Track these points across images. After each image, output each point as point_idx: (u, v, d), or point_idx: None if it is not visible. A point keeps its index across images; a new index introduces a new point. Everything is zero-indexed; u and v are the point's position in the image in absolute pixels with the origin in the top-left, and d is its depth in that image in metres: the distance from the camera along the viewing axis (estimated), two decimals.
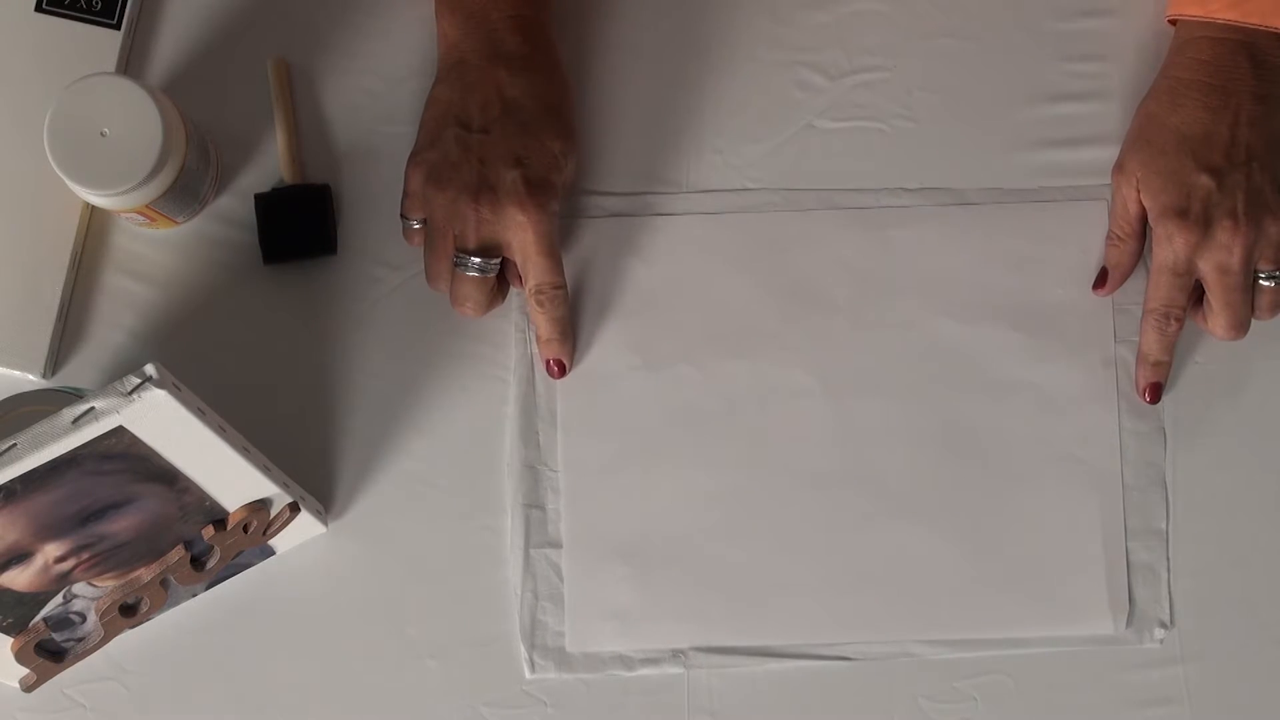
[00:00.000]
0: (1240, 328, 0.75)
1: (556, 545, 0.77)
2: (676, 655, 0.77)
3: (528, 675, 0.76)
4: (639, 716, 0.77)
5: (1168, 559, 0.78)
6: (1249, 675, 0.78)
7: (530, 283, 0.73)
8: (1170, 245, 0.73)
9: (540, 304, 0.74)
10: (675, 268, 0.79)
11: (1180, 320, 0.75)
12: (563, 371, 0.77)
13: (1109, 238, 0.77)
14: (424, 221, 0.74)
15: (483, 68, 0.72)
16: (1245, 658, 0.78)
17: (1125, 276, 0.78)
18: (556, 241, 0.73)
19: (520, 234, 0.71)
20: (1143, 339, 0.77)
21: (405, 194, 0.74)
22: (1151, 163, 0.74)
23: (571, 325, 0.76)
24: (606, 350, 0.78)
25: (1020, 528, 0.78)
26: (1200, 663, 0.78)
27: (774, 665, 0.77)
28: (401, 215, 0.75)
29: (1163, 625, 0.78)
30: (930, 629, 0.77)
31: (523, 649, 0.77)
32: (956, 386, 0.78)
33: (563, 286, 0.74)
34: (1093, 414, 0.78)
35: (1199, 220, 0.72)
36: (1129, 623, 0.78)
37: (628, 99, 0.80)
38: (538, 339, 0.76)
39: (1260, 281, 0.74)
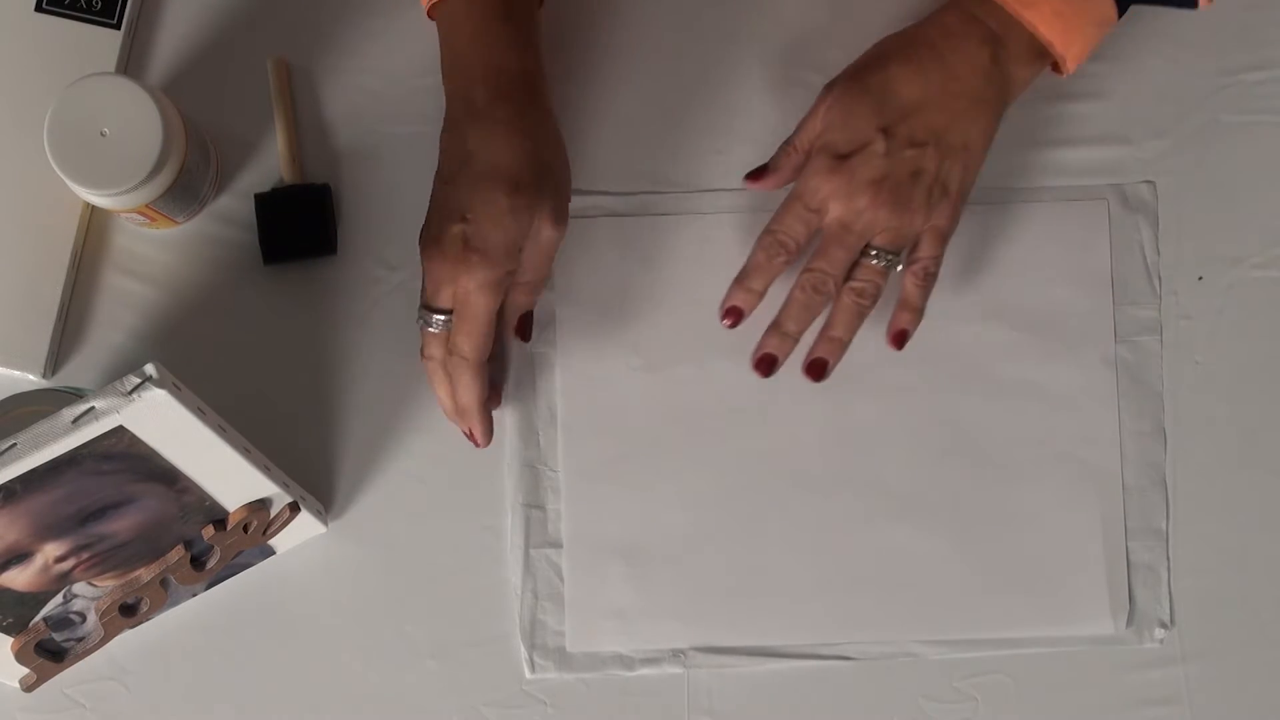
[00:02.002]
0: (824, 284, 0.71)
1: (556, 545, 0.77)
2: (676, 655, 0.77)
3: (528, 675, 0.76)
4: (639, 716, 0.77)
5: (1168, 559, 0.78)
6: (1249, 675, 0.78)
7: (451, 342, 0.70)
8: (814, 176, 0.71)
9: (452, 367, 0.70)
10: (675, 268, 0.79)
11: (790, 256, 0.72)
12: (476, 443, 0.73)
13: (787, 144, 0.74)
14: None
15: (457, 117, 0.70)
16: (1245, 658, 0.78)
17: (782, 184, 0.74)
18: (485, 308, 0.68)
19: (455, 292, 0.69)
20: (750, 257, 0.73)
21: None
22: (847, 95, 0.71)
23: (482, 404, 0.71)
24: (606, 351, 0.78)
25: (1020, 528, 0.78)
26: (1200, 663, 0.78)
27: (774, 665, 0.77)
28: None
29: (1163, 625, 0.78)
30: (930, 629, 0.77)
31: (523, 649, 0.77)
32: (956, 386, 0.78)
33: (473, 360, 0.69)
34: (1093, 414, 0.78)
35: (850, 169, 0.70)
36: (1129, 623, 0.78)
37: (627, 100, 0.80)
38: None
39: (866, 258, 0.72)
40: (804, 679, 0.77)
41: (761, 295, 0.73)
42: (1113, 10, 0.70)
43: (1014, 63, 0.71)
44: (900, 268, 0.72)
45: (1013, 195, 0.79)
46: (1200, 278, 0.80)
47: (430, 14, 0.73)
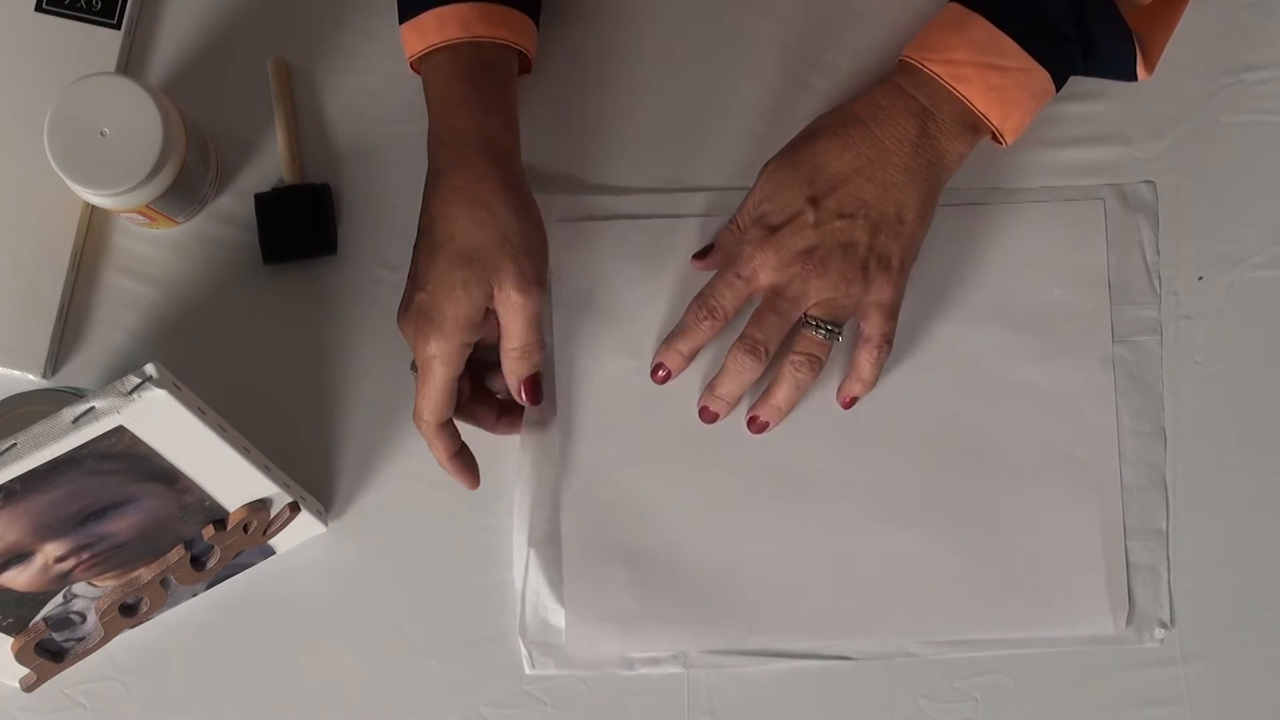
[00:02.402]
0: (759, 350, 0.72)
1: (556, 545, 0.77)
2: (677, 656, 0.77)
3: (528, 671, 0.76)
4: (639, 716, 0.77)
5: (1168, 559, 0.78)
6: (1249, 675, 0.78)
7: (415, 404, 0.71)
8: (746, 246, 0.72)
9: (418, 428, 0.71)
10: (674, 269, 0.78)
11: (718, 323, 0.72)
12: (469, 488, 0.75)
13: (729, 222, 0.75)
14: None
15: (428, 178, 0.71)
16: (1245, 658, 0.78)
17: (727, 262, 0.74)
18: (444, 377, 0.69)
19: (417, 359, 0.70)
20: (681, 320, 0.73)
21: None
22: (778, 169, 0.73)
23: (455, 459, 0.72)
24: (606, 352, 0.78)
25: (1020, 528, 0.78)
26: (1200, 663, 0.78)
27: (774, 665, 0.77)
28: None
29: (1163, 625, 0.78)
30: (930, 629, 0.77)
31: (522, 647, 0.77)
32: (956, 386, 0.78)
33: (432, 424, 0.70)
34: (1092, 414, 0.78)
35: (780, 239, 0.71)
36: (1129, 623, 0.78)
37: (627, 101, 0.80)
38: None
39: (807, 328, 0.72)
40: (804, 679, 0.77)
41: (689, 358, 0.74)
42: (1050, 83, 0.71)
43: (944, 136, 0.71)
44: (840, 338, 0.73)
45: (1011, 195, 0.79)
46: (1200, 278, 0.80)
47: (414, 68, 0.73)
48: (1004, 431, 0.78)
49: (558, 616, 0.77)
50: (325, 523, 0.76)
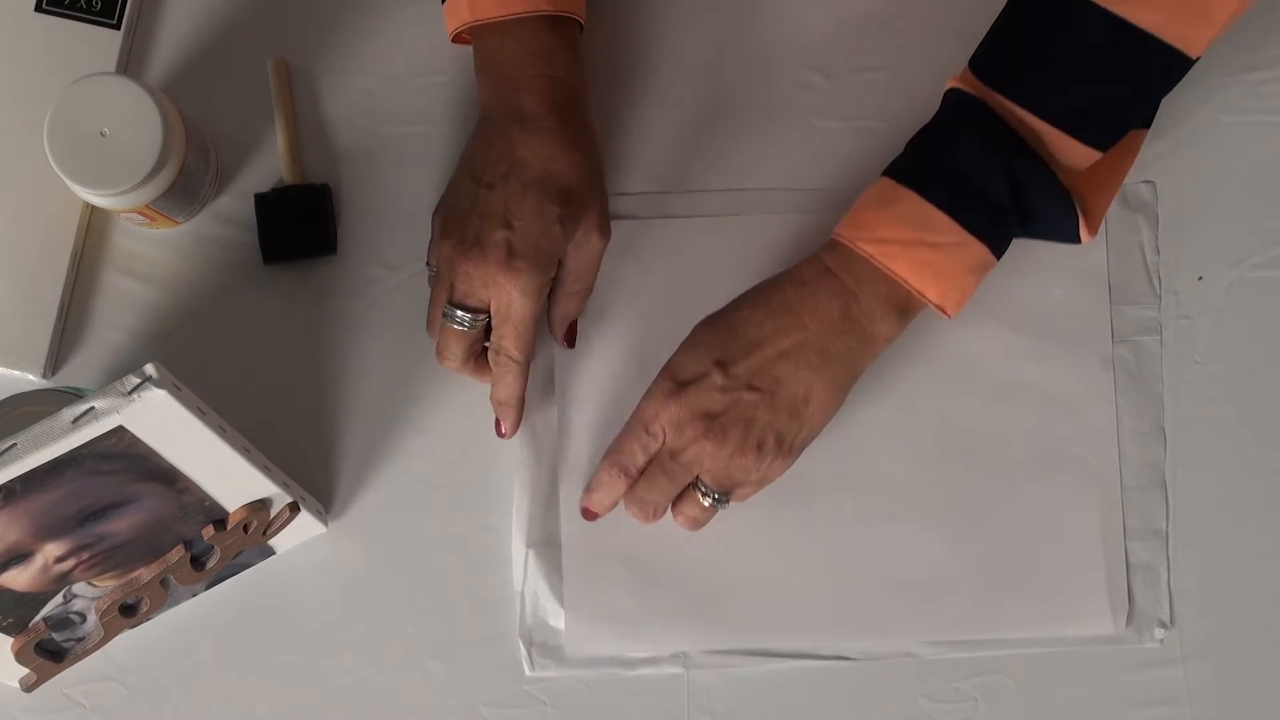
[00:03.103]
0: (649, 510, 0.72)
1: (555, 546, 0.77)
2: (676, 656, 0.77)
3: (528, 673, 0.76)
4: (639, 716, 0.77)
5: (1168, 559, 0.78)
6: (1249, 675, 0.78)
7: (492, 341, 0.72)
8: (653, 398, 0.71)
9: (496, 364, 0.73)
10: (674, 270, 0.78)
11: (630, 479, 0.72)
12: (505, 434, 0.76)
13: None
14: None
15: (501, 125, 0.71)
16: (1245, 658, 0.78)
17: (636, 411, 0.73)
18: (530, 312, 0.70)
19: (496, 295, 0.70)
20: (596, 473, 0.74)
21: (430, 241, 0.74)
22: (699, 327, 0.72)
23: (521, 399, 0.74)
24: (605, 353, 0.78)
25: (1020, 528, 0.78)
26: (1200, 663, 0.78)
27: (774, 665, 0.77)
28: (426, 262, 0.75)
29: (1163, 625, 0.78)
30: (930, 629, 0.77)
31: (522, 647, 0.77)
32: (956, 386, 0.78)
33: (519, 361, 0.72)
34: (1092, 414, 0.78)
35: (685, 397, 0.70)
36: (1129, 622, 0.78)
37: (626, 101, 0.80)
38: (491, 394, 0.75)
39: (695, 489, 0.72)
40: (804, 679, 0.77)
41: (612, 506, 0.74)
42: (989, 254, 0.69)
43: (867, 320, 0.70)
44: (726, 505, 0.73)
45: None
46: (1200, 278, 0.80)
47: (458, 38, 0.73)
48: (1004, 431, 0.78)
49: (557, 618, 0.77)
50: (325, 523, 0.76)
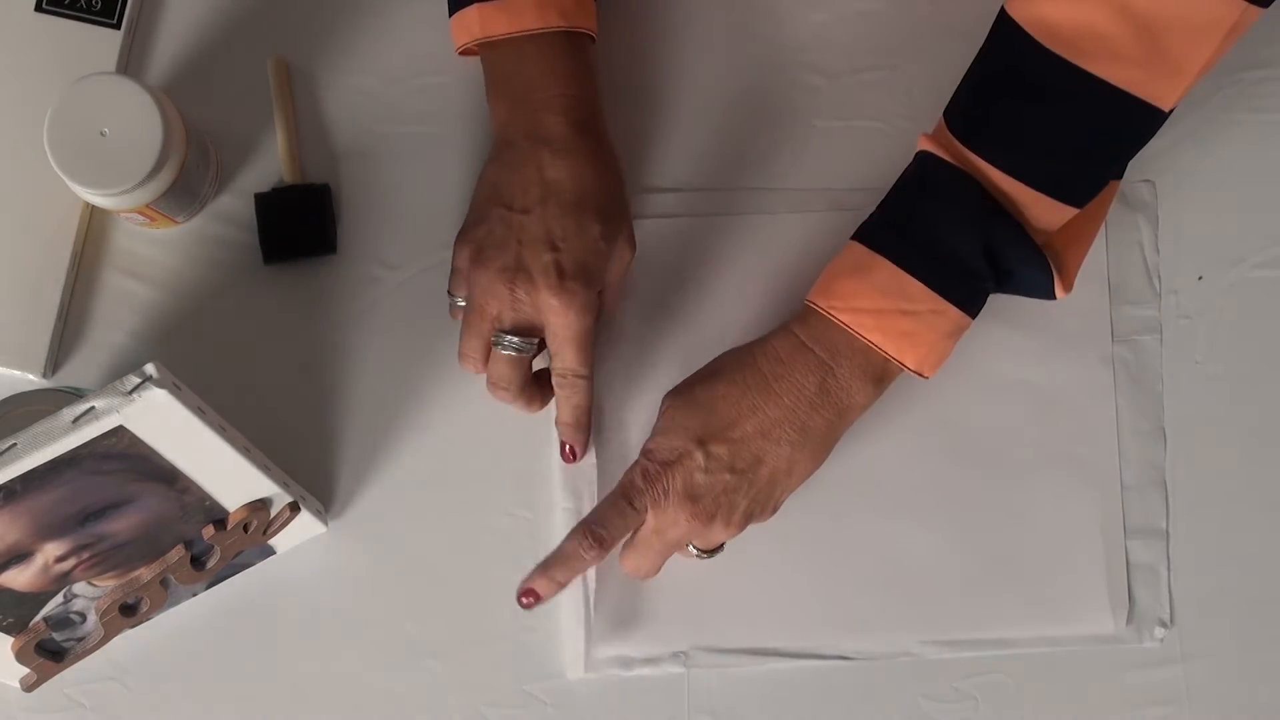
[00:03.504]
0: (641, 575, 0.73)
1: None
2: (677, 656, 0.77)
3: (575, 674, 0.77)
4: (639, 716, 0.77)
5: (1168, 559, 0.78)
6: (1249, 675, 0.78)
7: (555, 365, 0.72)
8: (636, 478, 0.71)
9: (561, 387, 0.73)
10: (673, 270, 0.78)
11: (602, 553, 0.71)
12: (574, 457, 0.75)
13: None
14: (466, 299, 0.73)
15: (526, 149, 0.71)
16: (1245, 658, 0.78)
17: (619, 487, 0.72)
18: (588, 329, 0.71)
19: (551, 318, 0.71)
20: (561, 544, 0.72)
21: (452, 270, 0.74)
22: (675, 405, 0.71)
23: (589, 417, 0.74)
24: (604, 353, 0.78)
25: (1019, 527, 0.78)
26: (1200, 663, 0.78)
27: (774, 665, 0.77)
28: (448, 291, 0.75)
29: (1163, 625, 0.78)
30: (930, 629, 0.77)
31: (582, 647, 0.77)
32: (955, 385, 0.78)
33: (585, 377, 0.72)
34: (1091, 413, 0.78)
35: (668, 478, 0.70)
36: (1129, 622, 0.78)
37: (626, 101, 0.80)
38: (557, 419, 0.75)
39: (689, 549, 0.74)
40: (804, 679, 0.77)
41: (564, 586, 0.72)
42: (965, 318, 0.69)
43: (843, 391, 0.70)
44: (720, 553, 0.74)
45: None
46: (1200, 278, 0.80)
47: (466, 50, 0.73)
48: (1004, 430, 0.78)
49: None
50: (325, 523, 0.76)
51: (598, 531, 0.71)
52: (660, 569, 0.73)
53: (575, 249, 0.70)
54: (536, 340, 0.71)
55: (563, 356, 0.72)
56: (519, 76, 0.72)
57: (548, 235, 0.70)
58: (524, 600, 0.72)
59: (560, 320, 0.70)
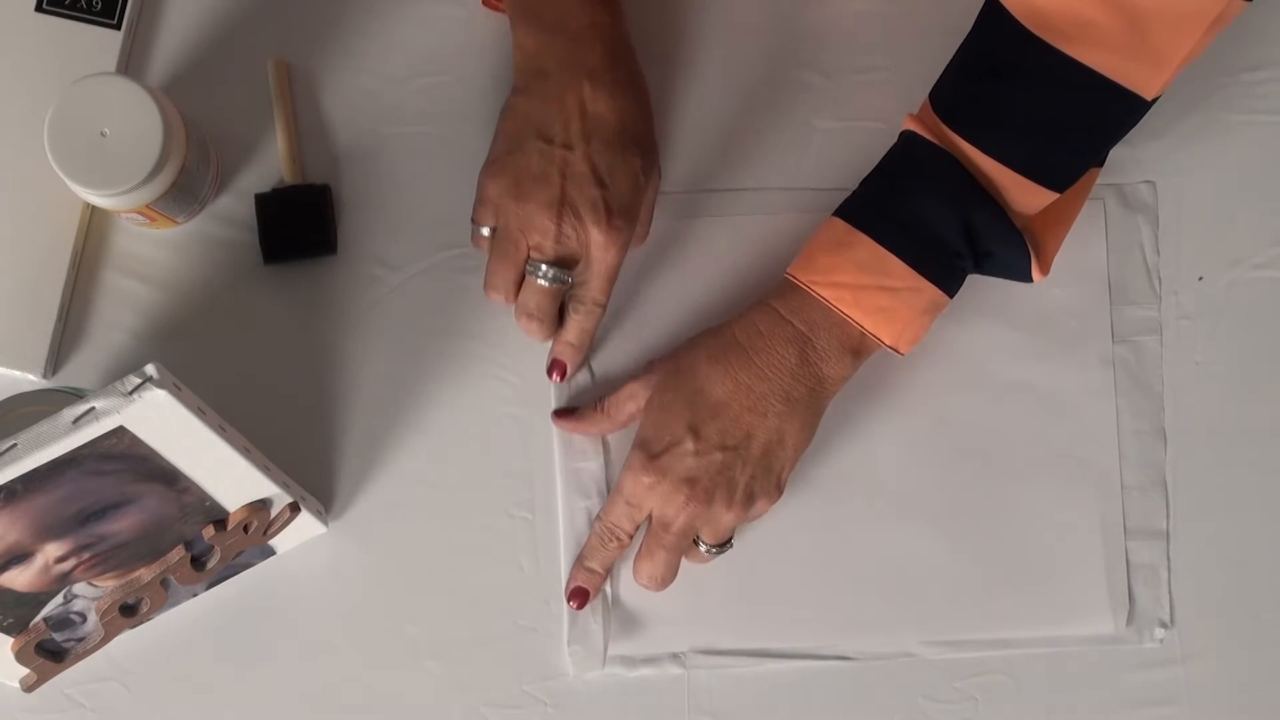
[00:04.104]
0: (657, 582, 0.74)
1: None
2: (676, 656, 0.77)
3: (592, 673, 0.76)
4: (639, 716, 0.77)
5: (1168, 559, 0.78)
6: (1249, 675, 0.78)
7: (579, 291, 0.73)
8: (631, 474, 0.72)
9: (577, 312, 0.73)
10: (673, 270, 0.78)
11: (622, 543, 0.74)
12: (563, 376, 0.76)
13: (600, 401, 0.75)
14: (494, 229, 0.73)
15: (565, 80, 0.71)
16: (1245, 658, 0.78)
17: (584, 433, 0.76)
18: (620, 262, 0.72)
19: (596, 253, 0.71)
20: (587, 540, 0.75)
21: (479, 200, 0.73)
22: (663, 392, 0.72)
23: (593, 338, 0.75)
24: (604, 353, 0.78)
25: (1020, 528, 0.78)
26: (1200, 663, 0.78)
27: (774, 665, 0.77)
28: (472, 220, 0.74)
29: (1163, 625, 0.78)
30: (930, 629, 0.77)
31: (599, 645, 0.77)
32: (956, 386, 0.78)
33: (604, 305, 0.74)
34: (1092, 413, 0.78)
35: (661, 468, 0.71)
36: (1129, 622, 0.78)
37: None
38: (559, 338, 0.75)
39: (699, 546, 0.74)
40: (804, 679, 0.77)
41: (605, 575, 0.75)
42: (942, 296, 0.70)
43: (823, 362, 0.71)
44: (731, 547, 0.75)
45: None
46: (1200, 278, 0.80)
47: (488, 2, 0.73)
48: (1004, 431, 0.78)
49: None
50: (325, 523, 0.76)
51: (610, 527, 0.73)
52: (675, 575, 0.74)
53: (622, 185, 0.71)
54: (571, 272, 0.72)
55: (590, 286, 0.72)
56: (550, 4, 0.72)
57: (594, 171, 0.70)
58: (573, 603, 0.75)
59: (602, 255, 0.71)
